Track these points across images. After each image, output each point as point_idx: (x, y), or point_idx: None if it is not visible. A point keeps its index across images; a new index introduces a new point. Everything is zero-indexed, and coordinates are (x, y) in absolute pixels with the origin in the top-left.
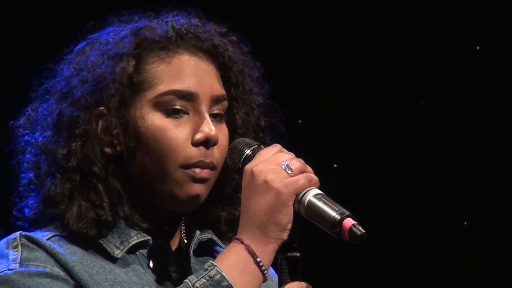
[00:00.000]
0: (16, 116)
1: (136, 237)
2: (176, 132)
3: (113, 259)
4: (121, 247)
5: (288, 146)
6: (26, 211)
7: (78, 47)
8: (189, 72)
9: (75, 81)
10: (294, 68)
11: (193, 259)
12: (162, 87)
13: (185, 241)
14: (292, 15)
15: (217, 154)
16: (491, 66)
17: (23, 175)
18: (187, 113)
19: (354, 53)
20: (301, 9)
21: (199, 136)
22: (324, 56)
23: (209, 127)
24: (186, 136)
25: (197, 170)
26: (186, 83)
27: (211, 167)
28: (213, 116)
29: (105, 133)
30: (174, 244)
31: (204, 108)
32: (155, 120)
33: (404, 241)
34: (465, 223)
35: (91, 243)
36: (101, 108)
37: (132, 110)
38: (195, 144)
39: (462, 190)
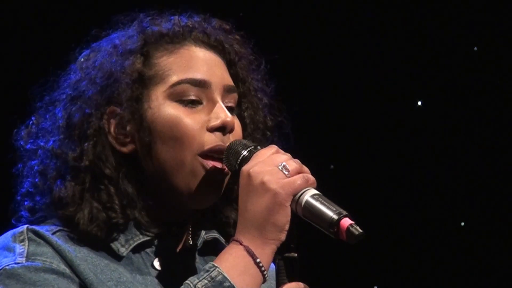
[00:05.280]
0: (16, 126)
1: (142, 236)
2: (192, 119)
3: (118, 258)
4: (126, 246)
5: (286, 147)
6: (25, 214)
7: (83, 54)
8: (200, 62)
9: (84, 83)
10: (290, 69)
11: (198, 258)
12: (175, 78)
13: (191, 241)
14: (286, 12)
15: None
16: (489, 67)
17: (28, 180)
18: (201, 102)
19: (350, 55)
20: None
21: (215, 122)
22: (319, 57)
23: (225, 114)
24: (202, 123)
25: (210, 162)
26: (198, 72)
27: None
28: (227, 109)
29: (118, 131)
30: (180, 244)
31: (218, 97)
32: (170, 109)
33: (401, 242)
34: (462, 223)
35: (98, 242)
36: (113, 106)
37: (146, 104)
38: (211, 130)
39: (458, 191)
